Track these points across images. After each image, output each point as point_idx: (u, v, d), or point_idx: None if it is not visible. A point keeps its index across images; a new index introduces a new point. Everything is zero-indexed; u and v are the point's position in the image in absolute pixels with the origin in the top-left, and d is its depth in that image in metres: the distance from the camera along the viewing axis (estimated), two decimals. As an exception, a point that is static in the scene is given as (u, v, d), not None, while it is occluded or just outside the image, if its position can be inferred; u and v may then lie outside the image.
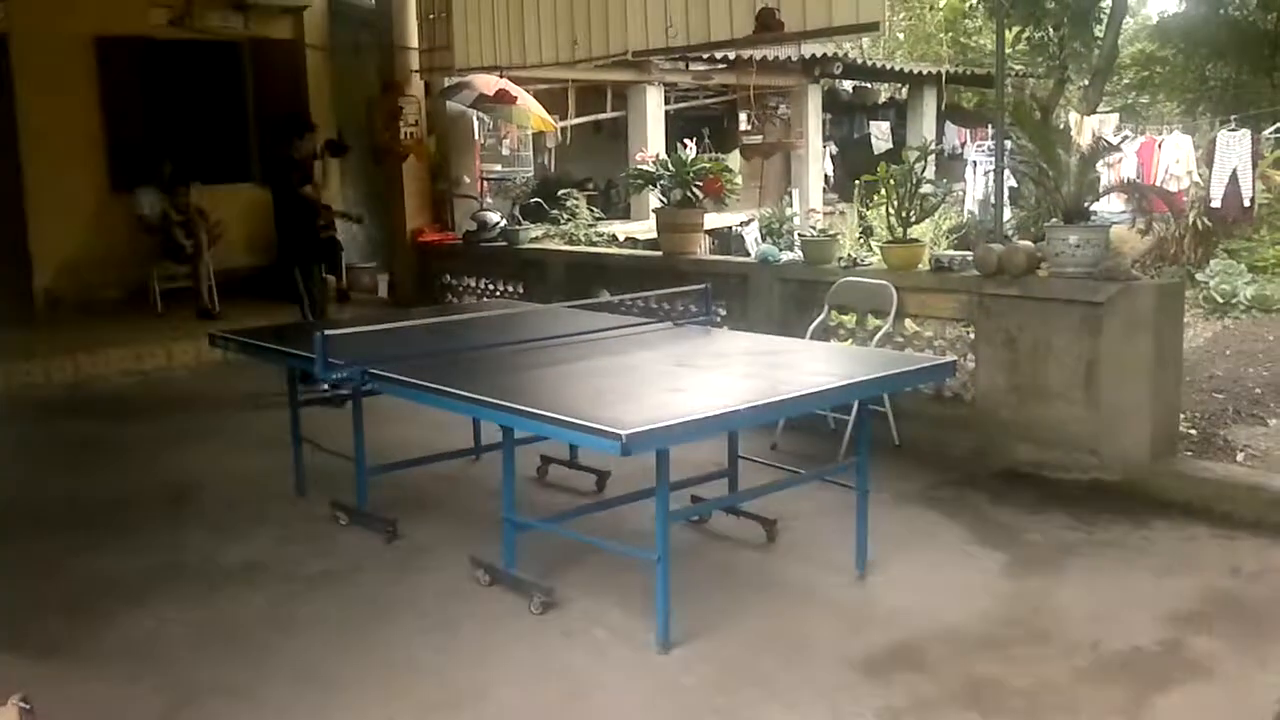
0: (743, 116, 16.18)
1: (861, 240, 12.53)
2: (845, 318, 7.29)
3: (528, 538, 4.72)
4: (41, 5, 9.91)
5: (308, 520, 5.57)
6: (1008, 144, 7.70)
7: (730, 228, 14.58)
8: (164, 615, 4.49)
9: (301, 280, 8.38)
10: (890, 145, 18.22)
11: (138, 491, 6.10)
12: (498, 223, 10.42)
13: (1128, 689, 3.78)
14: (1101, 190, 6.94)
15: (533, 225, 11.40)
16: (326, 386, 6.79)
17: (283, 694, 3.84)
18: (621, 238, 12.69)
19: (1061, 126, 14.66)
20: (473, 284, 10.36)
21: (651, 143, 14.83)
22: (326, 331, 4.97)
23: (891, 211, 7.07)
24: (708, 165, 8.52)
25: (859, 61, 17.52)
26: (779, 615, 4.41)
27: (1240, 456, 6.53)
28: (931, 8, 24.15)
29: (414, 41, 10.98)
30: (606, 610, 4.38)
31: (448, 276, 10.63)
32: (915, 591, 4.61)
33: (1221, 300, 11.82)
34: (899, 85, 20.29)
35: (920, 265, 6.91)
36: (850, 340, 6.96)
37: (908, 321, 6.90)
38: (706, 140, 16.10)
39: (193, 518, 5.67)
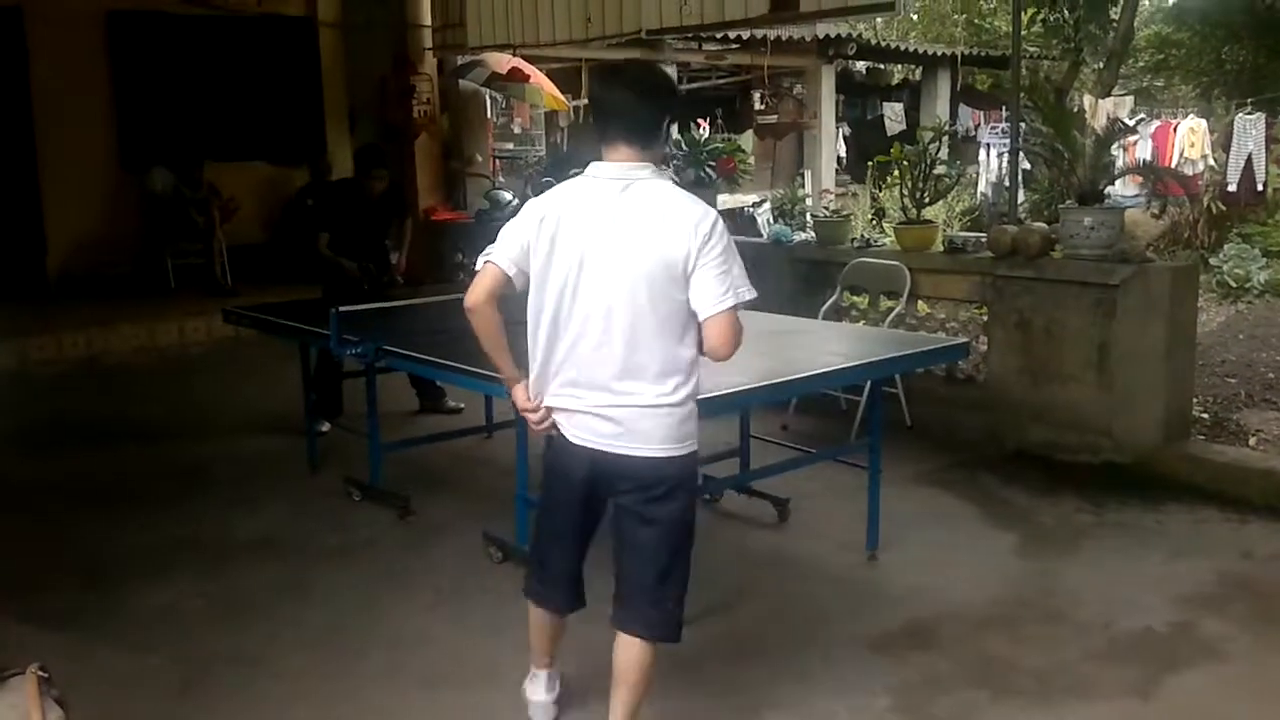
0: (756, 96, 16.13)
1: (874, 222, 12.50)
2: (857, 299, 7.29)
3: (540, 515, 4.74)
4: (54, -23, 9.91)
5: (321, 496, 5.60)
6: (1022, 126, 7.67)
7: (742, 208, 14.54)
8: (179, 587, 4.52)
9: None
10: (903, 127, 18.16)
11: (153, 466, 6.13)
12: (510, 201, 10.41)
13: (1139, 669, 3.79)
14: (1117, 173, 6.91)
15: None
16: (451, 402, 6.96)
17: (296, 664, 3.87)
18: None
19: (1076, 109, 14.59)
20: (485, 263, 10.34)
21: (664, 123, 14.78)
22: (340, 309, 4.99)
23: (905, 192, 7.06)
24: (721, 145, 8.51)
25: (873, 42, 17.42)
26: (791, 593, 4.42)
27: (1253, 441, 6.52)
28: (947, -11, 24.03)
29: (427, 19, 10.96)
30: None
31: (460, 255, 10.63)
32: (927, 571, 4.62)
33: (1235, 285, 11.76)
34: (913, 66, 20.19)
35: (934, 246, 6.90)
36: (862, 321, 6.96)
37: (920, 303, 6.89)
38: (719, 120, 16.06)
39: (207, 492, 5.70)
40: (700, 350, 3.01)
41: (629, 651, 3.06)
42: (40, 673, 2.43)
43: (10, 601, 4.34)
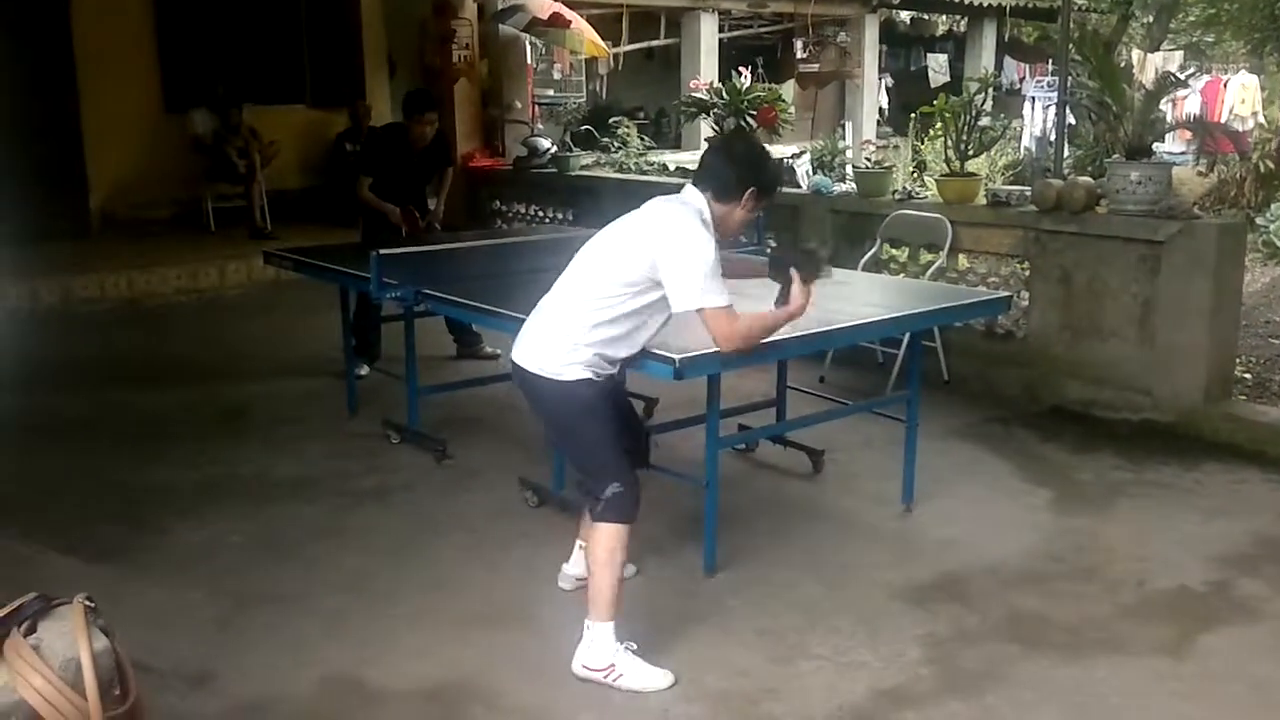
0: (798, 44, 15.94)
1: (915, 174, 12.35)
2: (897, 251, 7.22)
3: (575, 461, 4.76)
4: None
5: (359, 438, 5.65)
6: (1069, 80, 7.54)
7: (781, 159, 14.40)
8: (219, 525, 4.59)
9: None
10: (947, 79, 17.91)
11: (193, 406, 6.20)
12: (549, 149, 10.37)
13: (1173, 627, 3.78)
14: (1166, 127, 6.79)
15: (583, 152, 11.34)
16: (488, 348, 6.96)
17: (333, 603, 3.92)
18: (672, 167, 12.59)
19: (1124, 64, 14.33)
20: (522, 210, 10.34)
21: (704, 71, 14.67)
22: (381, 252, 5.00)
23: (949, 144, 6.98)
24: (762, 94, 8.42)
25: (918, -8, 17.20)
26: (824, 544, 4.43)
27: (1295, 402, 6.44)
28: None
29: (468, -37, 10.88)
30: (654, 534, 4.41)
31: (497, 202, 10.62)
32: (960, 525, 4.62)
33: (1281, 245, 11.57)
34: (958, 17, 19.88)
35: (976, 200, 6.82)
36: (902, 274, 6.90)
37: (960, 257, 6.83)
38: (760, 70, 15.90)
39: (246, 433, 5.77)
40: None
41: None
42: (87, 602, 2.47)
43: (55, 535, 4.43)
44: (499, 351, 6.87)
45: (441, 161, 7.08)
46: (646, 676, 3.39)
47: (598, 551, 3.45)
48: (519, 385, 3.64)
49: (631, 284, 3.36)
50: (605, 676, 3.39)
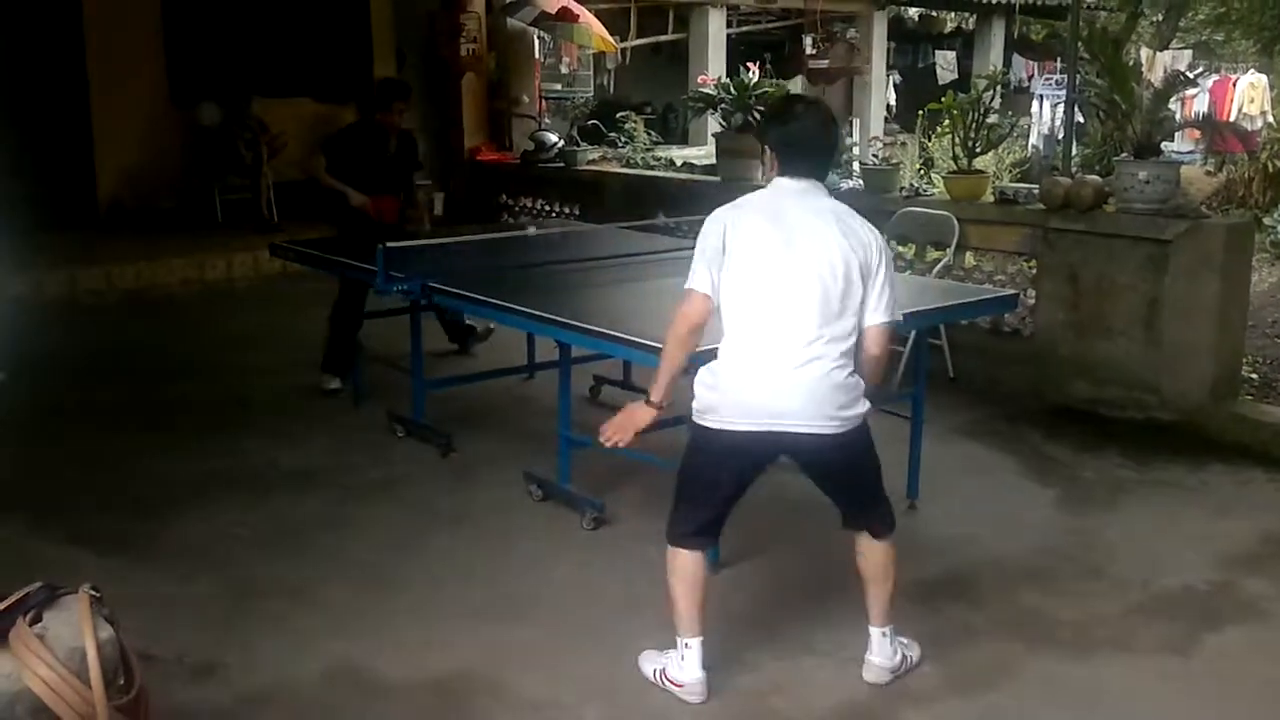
0: (807, 40, 15.92)
1: (922, 171, 12.35)
2: (904, 248, 7.21)
3: (580, 455, 4.76)
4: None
5: (365, 430, 5.65)
6: (1077, 78, 7.53)
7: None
8: (223, 517, 4.59)
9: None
10: (955, 76, 17.91)
11: (198, 398, 6.21)
12: (556, 143, 10.37)
13: (1178, 626, 3.77)
14: (1175, 126, 6.77)
15: (591, 147, 11.34)
16: (478, 327, 6.89)
17: (338, 595, 3.93)
18: (679, 163, 12.59)
19: (1133, 62, 14.30)
20: (529, 204, 10.33)
21: (712, 67, 14.65)
22: (388, 244, 5.00)
23: (957, 141, 6.96)
24: (770, 90, 8.40)
25: (926, -12, 17.18)
26: (828, 539, 4.38)
27: (1302, 402, 6.42)
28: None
29: (477, -44, 10.87)
30: (657, 528, 4.37)
31: (504, 196, 10.61)
32: (965, 523, 4.62)
33: (1290, 245, 11.53)
34: (967, 14, 19.84)
35: (984, 197, 6.81)
36: (909, 271, 6.89)
37: (967, 254, 6.81)
38: (768, 65, 15.88)
39: (251, 425, 5.77)
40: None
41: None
42: (92, 592, 2.48)
43: (60, 526, 4.43)
44: (492, 325, 6.76)
45: (411, 164, 6.71)
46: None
47: (888, 564, 3.45)
48: (815, 461, 3.43)
49: (858, 306, 3.20)
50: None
